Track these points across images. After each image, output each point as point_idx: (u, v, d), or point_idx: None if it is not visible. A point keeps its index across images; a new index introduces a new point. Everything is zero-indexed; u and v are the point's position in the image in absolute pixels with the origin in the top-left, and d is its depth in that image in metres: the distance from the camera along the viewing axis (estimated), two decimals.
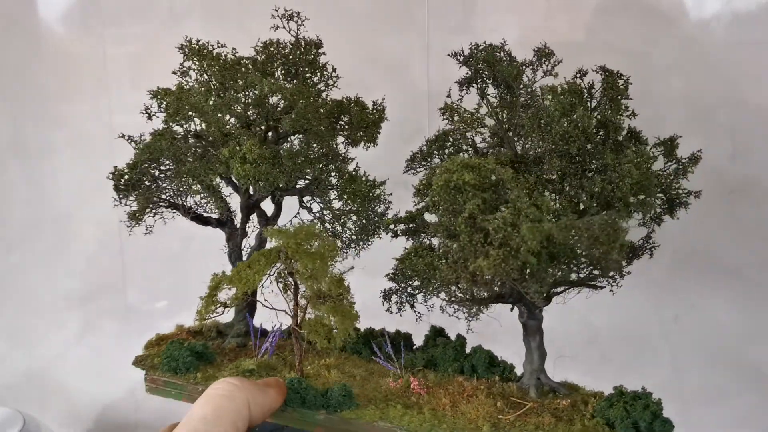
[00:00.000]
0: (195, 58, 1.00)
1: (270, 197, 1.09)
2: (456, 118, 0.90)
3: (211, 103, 0.96)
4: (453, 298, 0.80)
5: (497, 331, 1.04)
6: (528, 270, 0.75)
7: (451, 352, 1.00)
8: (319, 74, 1.09)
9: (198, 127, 1.01)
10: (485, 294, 0.78)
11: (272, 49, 1.06)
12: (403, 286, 0.93)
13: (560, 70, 0.94)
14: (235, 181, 0.99)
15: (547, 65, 0.88)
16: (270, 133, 1.05)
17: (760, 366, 1.39)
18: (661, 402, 0.84)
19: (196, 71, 0.99)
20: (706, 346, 1.43)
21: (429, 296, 0.85)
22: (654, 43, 1.32)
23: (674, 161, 0.94)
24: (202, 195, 0.97)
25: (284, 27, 1.01)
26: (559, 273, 0.75)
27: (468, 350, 1.02)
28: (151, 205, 0.98)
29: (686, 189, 0.94)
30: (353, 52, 1.49)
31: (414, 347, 1.08)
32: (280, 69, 1.07)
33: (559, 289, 0.87)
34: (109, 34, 1.63)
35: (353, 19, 1.51)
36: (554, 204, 0.83)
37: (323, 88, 1.10)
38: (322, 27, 1.49)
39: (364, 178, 1.07)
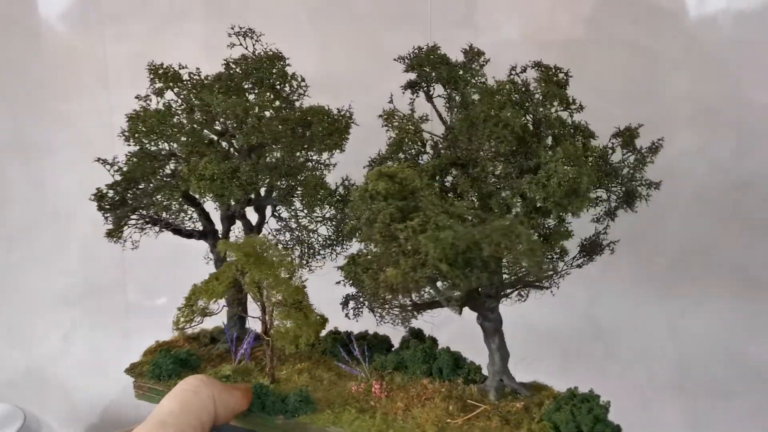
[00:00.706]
0: (160, 80, 1.05)
1: (253, 207, 1.13)
2: (395, 123, 0.90)
3: (174, 121, 1.00)
4: (379, 305, 0.81)
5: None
6: (444, 277, 0.74)
7: (420, 354, 1.01)
8: (288, 85, 1.12)
9: (169, 147, 1.06)
10: (404, 300, 0.78)
11: (242, 64, 1.10)
12: (360, 292, 0.94)
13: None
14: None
15: (476, 65, 0.86)
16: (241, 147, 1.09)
17: (764, 364, 1.36)
18: (608, 405, 0.81)
19: (158, 92, 1.04)
20: (710, 344, 1.41)
21: (363, 303, 0.86)
22: (659, 39, 1.30)
23: (633, 151, 0.90)
24: (171, 211, 1.02)
25: (241, 44, 1.04)
26: (475, 279, 0.74)
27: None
28: (127, 222, 1.04)
29: (647, 179, 0.90)
30: (354, 47, 1.51)
31: (392, 349, 1.09)
32: (249, 83, 1.10)
33: (506, 291, 0.86)
34: (109, 32, 1.65)
35: (354, 14, 1.52)
36: (498, 211, 0.82)
37: (296, 98, 1.13)
38: (324, 23, 1.51)
39: (346, 183, 1.09)
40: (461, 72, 0.85)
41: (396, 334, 1.11)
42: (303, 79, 1.12)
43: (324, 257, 1.09)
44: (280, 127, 1.02)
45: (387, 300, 0.81)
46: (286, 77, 1.11)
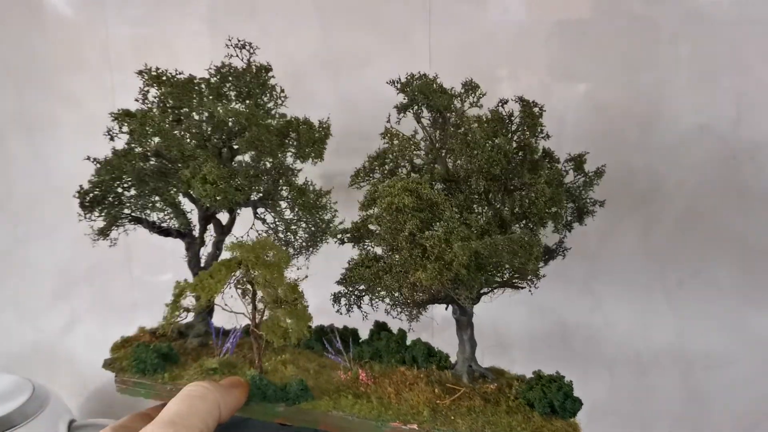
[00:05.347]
0: (154, 84, 1.08)
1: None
2: (396, 142, 1.01)
3: (167, 124, 1.04)
4: (395, 303, 0.93)
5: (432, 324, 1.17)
6: (459, 279, 0.88)
7: (394, 345, 1.13)
8: (269, 95, 1.19)
9: (156, 147, 1.09)
10: (423, 298, 0.91)
11: (225, 71, 1.15)
12: (351, 290, 1.05)
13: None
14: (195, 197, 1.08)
15: (473, 97, 1.01)
16: (224, 150, 1.15)
17: (761, 332, 1.44)
18: (571, 383, 0.98)
19: (155, 96, 1.07)
20: (708, 312, 1.46)
21: (376, 300, 0.97)
22: (660, 9, 1.34)
23: (582, 175, 1.09)
24: (165, 212, 1.06)
25: (237, 55, 1.10)
26: (485, 280, 0.88)
27: (409, 342, 1.15)
28: (119, 221, 1.06)
29: (592, 199, 1.09)
30: (352, 17, 1.53)
31: (360, 341, 1.20)
32: (233, 91, 1.16)
33: (485, 290, 1.01)
34: (111, 13, 1.68)
35: None
36: (481, 218, 0.96)
37: (272, 107, 1.20)
38: None
39: (311, 187, 1.18)
40: (456, 103, 0.99)
41: (363, 327, 1.23)
42: (282, 91, 1.19)
43: (299, 257, 1.18)
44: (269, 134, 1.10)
45: (397, 298, 0.93)
46: (267, 88, 1.18)
